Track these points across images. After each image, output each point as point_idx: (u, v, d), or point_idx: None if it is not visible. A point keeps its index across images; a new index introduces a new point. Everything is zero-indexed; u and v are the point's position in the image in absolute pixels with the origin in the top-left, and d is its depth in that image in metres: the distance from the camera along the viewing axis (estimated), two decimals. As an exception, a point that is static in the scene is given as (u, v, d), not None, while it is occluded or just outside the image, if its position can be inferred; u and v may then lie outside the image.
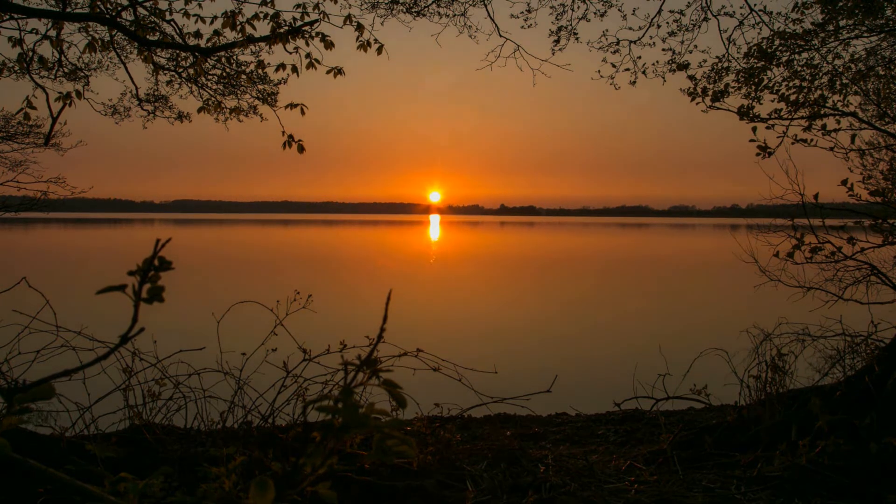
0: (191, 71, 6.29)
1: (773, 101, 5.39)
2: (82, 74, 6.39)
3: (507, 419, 5.91)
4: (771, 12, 6.26)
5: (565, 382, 6.69)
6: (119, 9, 5.40)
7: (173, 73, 6.42)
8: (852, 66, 5.73)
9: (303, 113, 5.77)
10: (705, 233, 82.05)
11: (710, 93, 5.58)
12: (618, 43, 6.90)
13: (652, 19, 6.78)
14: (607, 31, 6.82)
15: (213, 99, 6.45)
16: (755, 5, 6.35)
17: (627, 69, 6.91)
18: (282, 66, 5.49)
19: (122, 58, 6.31)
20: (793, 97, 5.36)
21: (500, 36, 7.05)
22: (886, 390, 3.67)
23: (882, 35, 5.63)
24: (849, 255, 4.58)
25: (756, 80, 5.59)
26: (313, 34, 5.34)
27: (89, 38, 5.46)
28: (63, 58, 5.93)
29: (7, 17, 5.08)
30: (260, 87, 6.43)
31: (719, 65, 6.07)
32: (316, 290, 4.97)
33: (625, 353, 9.96)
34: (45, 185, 7.07)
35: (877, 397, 3.73)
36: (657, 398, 5.21)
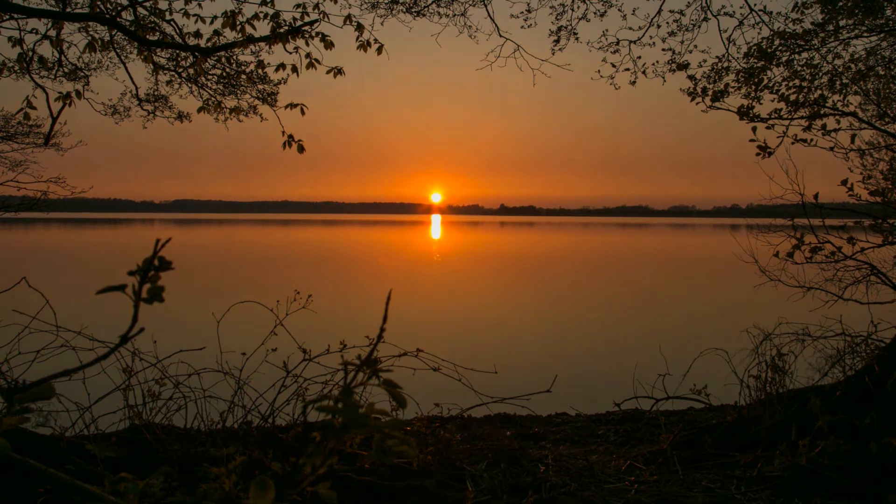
0: (191, 71, 6.29)
1: (773, 101, 5.40)
2: (82, 74, 6.39)
3: (507, 419, 5.91)
4: (771, 12, 6.26)
5: (565, 382, 6.69)
6: (119, 9, 5.40)
7: (173, 73, 6.42)
8: (852, 66, 5.73)
9: (303, 113, 5.77)
10: (705, 233, 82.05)
11: (710, 93, 5.58)
12: (618, 43, 6.90)
13: (652, 19, 6.79)
14: (607, 31, 6.82)
15: (213, 99, 6.46)
16: (755, 5, 6.35)
17: (627, 69, 6.91)
18: (282, 66, 5.49)
19: (122, 58, 6.31)
20: (793, 97, 5.36)
21: (500, 36, 7.06)
22: (886, 390, 3.67)
23: (882, 35, 5.63)
24: (849, 255, 4.58)
25: (756, 80, 5.59)
26: (313, 34, 5.34)
27: (89, 38, 5.46)
28: (63, 58, 5.93)
29: (7, 17, 5.08)
30: (260, 87, 6.43)
31: (719, 65, 6.08)
32: (316, 290, 4.97)
33: (625, 353, 9.96)
34: (45, 185, 7.07)
35: (877, 397, 3.73)
36: (657, 398, 5.21)
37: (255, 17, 5.25)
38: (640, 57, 8.38)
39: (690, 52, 6.70)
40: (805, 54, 5.69)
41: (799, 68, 5.66)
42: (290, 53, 5.39)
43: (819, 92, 5.45)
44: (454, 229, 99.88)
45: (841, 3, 5.28)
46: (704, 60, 6.09)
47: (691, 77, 5.88)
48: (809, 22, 5.71)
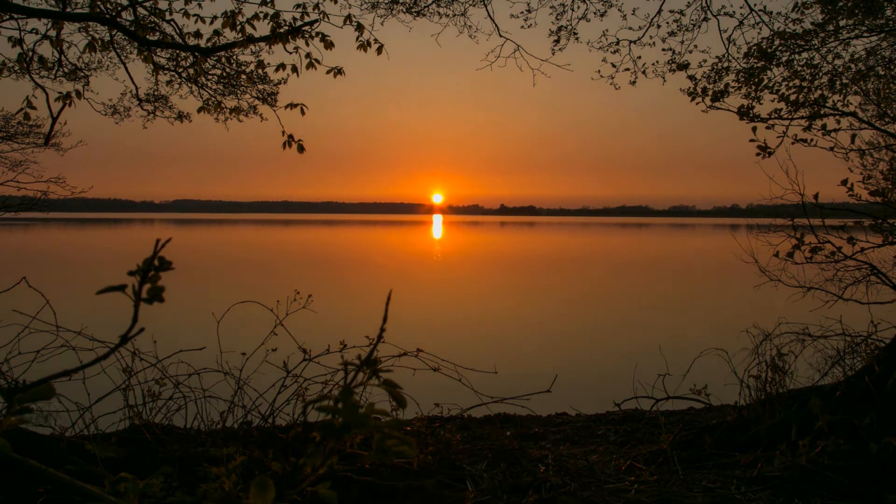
0: (191, 71, 6.29)
1: (773, 101, 5.39)
2: (82, 74, 6.39)
3: (507, 419, 5.91)
4: (771, 12, 6.26)
5: (565, 382, 6.69)
6: (119, 9, 5.40)
7: (173, 73, 6.42)
8: (852, 66, 5.73)
9: (303, 113, 5.77)
10: (705, 233, 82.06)
11: (710, 93, 5.58)
12: (618, 43, 6.90)
13: (652, 19, 6.79)
14: (607, 31, 6.82)
15: (213, 99, 6.46)
16: (755, 5, 6.35)
17: (627, 69, 6.91)
18: (282, 66, 5.49)
19: (122, 58, 6.31)
20: (793, 97, 5.36)
21: (500, 36, 7.06)
22: (886, 390, 3.67)
23: (882, 35, 5.63)
24: (849, 255, 4.58)
25: (756, 80, 5.59)
26: (313, 34, 5.34)
27: (89, 38, 5.46)
28: (63, 58, 5.93)
29: (7, 17, 5.08)
30: (260, 87, 6.43)
31: (719, 65, 6.08)
32: (316, 290, 4.97)
33: (625, 353, 9.96)
34: (45, 185, 7.07)
35: (877, 397, 3.73)
36: (657, 398, 5.21)
37: (255, 17, 5.25)
38: (640, 57, 8.38)
39: (690, 52, 6.70)
40: (805, 54, 5.70)
41: (799, 68, 5.66)
42: (290, 53, 5.40)
43: (819, 92, 5.45)
44: (454, 229, 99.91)
45: (841, 3, 5.28)
46: (704, 60, 6.10)
47: (691, 77, 5.88)
48: (809, 22, 5.72)
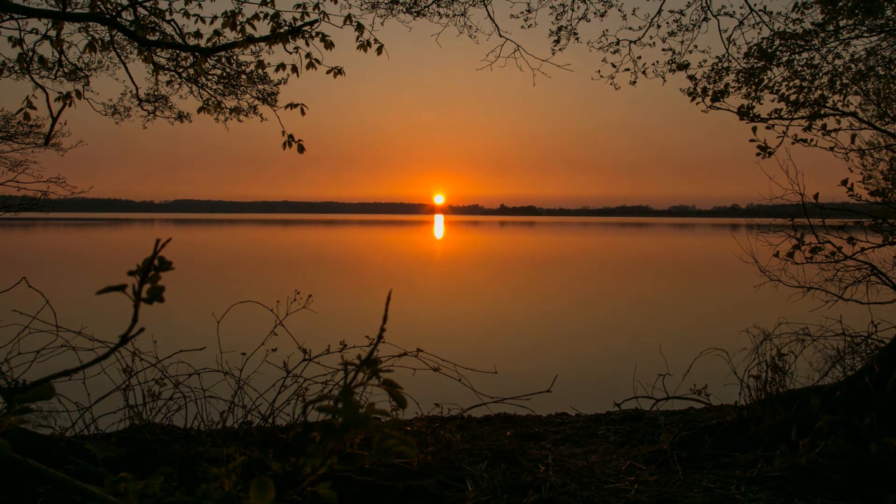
0: (191, 71, 6.29)
1: (773, 101, 5.40)
2: (82, 74, 6.40)
3: (507, 419, 5.91)
4: (771, 12, 6.26)
5: (565, 382, 6.69)
6: (119, 9, 5.41)
7: (173, 73, 6.42)
8: (852, 66, 5.73)
9: (303, 113, 5.77)
10: (705, 233, 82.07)
11: (710, 93, 5.58)
12: (618, 43, 6.90)
13: (652, 19, 6.79)
14: (607, 31, 6.82)
15: (213, 99, 6.46)
16: (755, 5, 6.36)
17: (627, 69, 6.92)
18: (282, 66, 5.49)
19: (122, 58, 6.31)
20: (793, 97, 5.36)
21: (500, 36, 7.06)
22: (886, 390, 3.67)
23: (882, 35, 5.63)
24: (849, 255, 4.58)
25: (756, 80, 5.59)
26: (313, 34, 5.34)
27: (89, 38, 5.46)
28: (63, 58, 5.93)
29: (7, 17, 5.08)
30: (260, 87, 6.43)
31: (719, 65, 6.08)
32: (316, 290, 4.97)
33: (625, 353, 9.96)
34: (45, 185, 7.07)
35: (877, 397, 3.73)
36: (657, 398, 5.21)
37: (256, 17, 5.25)
38: (640, 57, 8.38)
39: (690, 52, 6.71)
40: (805, 54, 5.70)
41: (799, 68, 5.66)
42: (291, 53, 5.40)
43: (819, 92, 5.45)
44: (455, 229, 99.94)
45: (841, 3, 5.28)
46: (704, 60, 6.10)
47: (691, 77, 5.88)
48: (809, 22, 5.72)
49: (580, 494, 3.34)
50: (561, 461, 3.97)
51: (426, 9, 6.66)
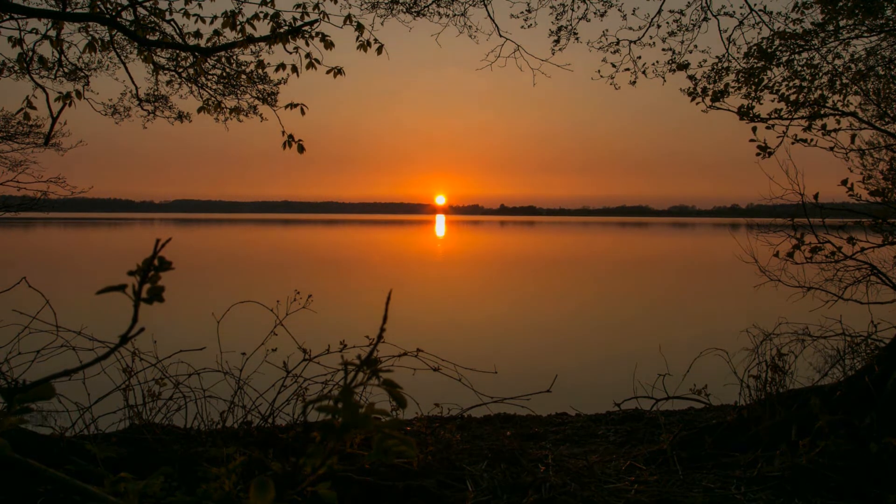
0: (191, 71, 6.29)
1: (773, 101, 5.40)
2: (82, 74, 6.40)
3: (507, 419, 5.91)
4: (771, 12, 6.26)
5: (565, 382, 6.69)
6: (119, 9, 5.41)
7: (173, 73, 6.42)
8: (852, 66, 5.73)
9: (303, 113, 5.78)
10: (705, 233, 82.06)
11: (710, 93, 5.58)
12: (618, 43, 6.90)
13: (652, 19, 6.79)
14: (607, 31, 6.82)
15: (213, 99, 6.46)
16: (755, 5, 6.36)
17: (627, 69, 6.92)
18: (282, 66, 5.49)
19: (122, 58, 6.31)
20: (793, 97, 5.36)
21: (500, 36, 7.06)
22: (886, 390, 3.67)
23: (882, 35, 5.63)
24: (849, 255, 4.58)
25: (756, 80, 5.59)
26: (313, 34, 5.34)
27: (89, 38, 5.46)
28: (63, 58, 5.93)
29: (7, 17, 5.08)
30: (260, 87, 6.43)
31: (719, 65, 6.08)
32: (316, 290, 4.97)
33: (625, 353, 9.96)
34: (45, 185, 7.07)
35: (877, 397, 3.73)
36: (657, 398, 5.21)
37: (255, 17, 5.25)
38: (640, 57, 8.39)
39: (690, 52, 6.71)
40: (805, 54, 5.70)
41: (799, 68, 5.66)
42: (290, 53, 5.40)
43: (819, 92, 5.45)
44: (455, 229, 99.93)
45: (841, 3, 5.28)
46: (704, 60, 6.10)
47: (691, 77, 5.88)
48: (809, 22, 5.72)
49: (580, 494, 3.34)
50: (561, 461, 3.97)
51: (426, 9, 6.66)
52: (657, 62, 6.73)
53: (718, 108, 5.51)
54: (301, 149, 5.73)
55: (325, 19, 5.35)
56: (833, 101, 5.33)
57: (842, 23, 5.48)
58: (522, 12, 7.02)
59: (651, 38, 6.82)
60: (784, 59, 5.67)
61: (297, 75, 5.55)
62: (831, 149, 5.04)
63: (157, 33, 5.75)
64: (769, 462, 3.61)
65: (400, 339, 3.74)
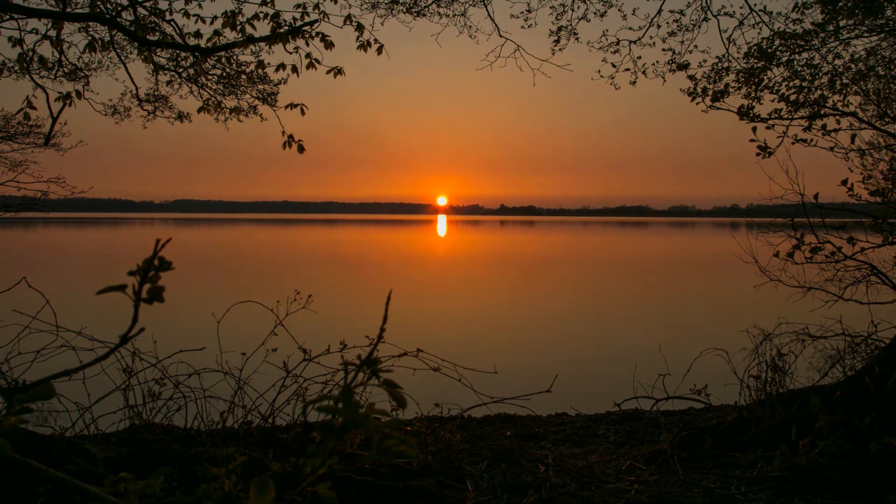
0: (191, 71, 6.29)
1: (773, 101, 5.40)
2: (82, 74, 6.40)
3: (507, 419, 5.91)
4: (771, 12, 6.26)
5: (565, 382, 6.69)
6: (119, 9, 5.41)
7: (173, 73, 6.42)
8: (852, 66, 5.73)
9: (303, 113, 5.77)
10: (705, 233, 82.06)
11: (710, 93, 5.58)
12: (618, 43, 6.90)
13: (652, 19, 6.79)
14: (607, 31, 6.82)
15: (213, 99, 6.46)
16: (755, 5, 6.36)
17: (627, 69, 6.92)
18: (282, 66, 5.49)
19: (122, 58, 6.31)
20: (793, 97, 5.36)
21: (500, 36, 7.06)
22: (886, 390, 3.67)
23: (882, 35, 5.63)
24: (849, 255, 4.58)
25: (756, 80, 5.59)
26: (313, 34, 5.34)
27: (89, 38, 5.46)
28: (63, 58, 5.93)
29: (7, 17, 5.08)
30: (260, 87, 6.43)
31: (719, 65, 6.08)
32: (316, 290, 4.97)
33: (625, 353, 9.96)
34: (45, 185, 7.07)
35: (877, 397, 3.73)
36: (657, 398, 5.21)
37: (256, 17, 5.25)
38: (640, 57, 8.39)
39: (690, 52, 6.71)
40: (805, 54, 5.70)
41: (799, 68, 5.66)
42: (291, 53, 5.40)
43: (819, 92, 5.45)
44: (455, 228, 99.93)
45: (841, 4, 5.28)
46: (704, 60, 6.10)
47: (691, 77, 5.88)
48: (809, 22, 5.72)
49: (580, 494, 3.34)
50: (561, 461, 3.97)
51: (426, 9, 6.66)
52: (657, 62, 6.73)
53: (718, 108, 5.51)
54: (301, 149, 5.73)
55: (325, 19, 5.35)
56: (833, 101, 5.33)
57: (842, 23, 5.48)
58: (522, 12, 7.03)
59: (651, 38, 6.82)
60: (784, 59, 5.67)
61: (297, 75, 5.55)
62: (831, 149, 5.04)
63: (157, 33, 5.75)
64: (769, 462, 3.61)
65: (400, 339, 3.74)
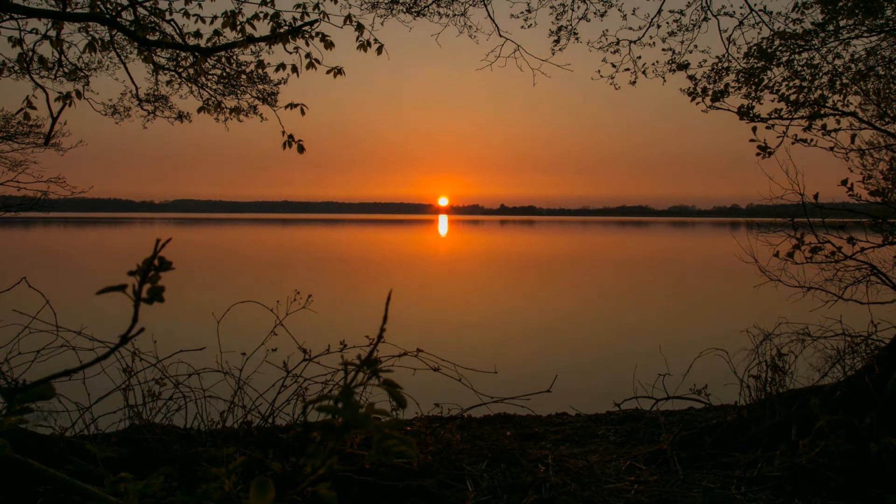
0: (191, 71, 6.29)
1: (773, 101, 5.40)
2: (82, 74, 6.40)
3: (507, 419, 5.91)
4: (771, 12, 6.26)
5: (565, 382, 6.69)
6: (119, 9, 5.40)
7: (173, 73, 6.42)
8: (852, 66, 5.73)
9: (303, 113, 5.77)
10: (705, 233, 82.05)
11: (710, 93, 5.58)
12: (618, 43, 6.90)
13: (652, 19, 6.79)
14: (607, 31, 6.82)
15: (213, 99, 6.45)
16: (755, 5, 6.35)
17: (627, 69, 6.92)
18: (282, 66, 5.49)
19: (122, 58, 6.31)
20: (793, 97, 5.36)
21: (500, 36, 7.06)
22: (886, 390, 3.67)
23: (882, 35, 5.63)
24: (849, 255, 4.58)
25: (756, 80, 5.59)
26: (313, 34, 5.34)
27: (89, 38, 5.46)
28: (63, 58, 5.93)
29: (7, 17, 5.08)
30: (260, 87, 6.43)
31: (719, 65, 6.08)
32: (316, 290, 4.98)
33: (625, 353, 9.96)
34: (45, 185, 7.08)
35: (877, 397, 3.73)
36: (657, 398, 5.21)
37: (255, 17, 5.25)
38: (640, 57, 8.39)
39: (690, 52, 6.71)
40: (805, 54, 5.70)
41: (799, 68, 5.66)
42: (290, 53, 5.40)
43: (819, 92, 5.45)
44: (455, 229, 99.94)
45: (841, 3, 5.28)
46: (704, 60, 6.10)
47: (691, 77, 5.88)
48: (809, 22, 5.72)
49: (580, 494, 3.34)
50: (561, 461, 3.97)
51: (426, 9, 6.66)
52: (657, 62, 6.73)
53: (718, 108, 5.51)
54: (301, 149, 5.73)
55: (325, 19, 5.35)
56: (833, 101, 5.33)
57: (842, 23, 5.48)
58: (522, 12, 7.03)
59: (651, 38, 6.82)
60: (784, 59, 5.67)
61: (297, 75, 5.55)
62: (831, 149, 5.04)
63: (157, 33, 5.75)
64: (769, 462, 3.61)
65: (400, 338, 3.74)
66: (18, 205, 7.05)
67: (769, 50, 5.65)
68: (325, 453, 0.80)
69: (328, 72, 5.48)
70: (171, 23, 5.71)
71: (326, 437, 0.79)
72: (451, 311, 15.30)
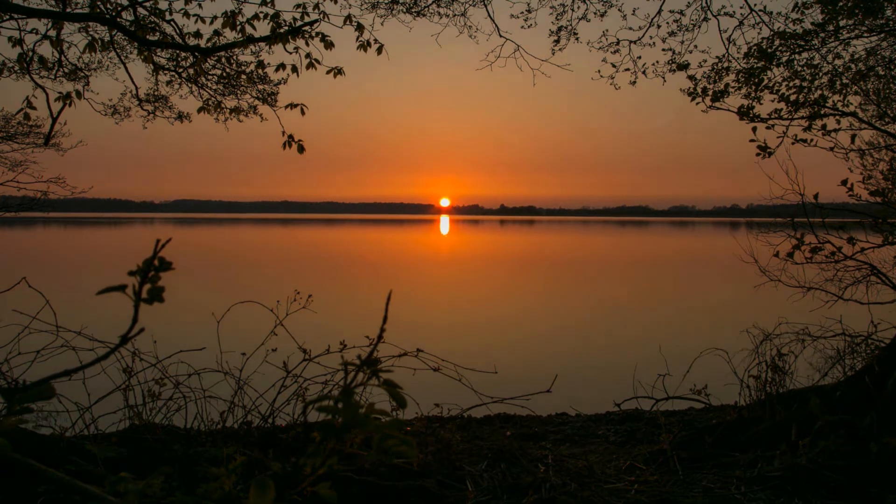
0: (191, 71, 6.29)
1: (773, 101, 5.40)
2: (82, 74, 6.40)
3: (507, 419, 5.91)
4: (771, 12, 6.26)
5: (565, 382, 6.69)
6: (119, 9, 5.41)
7: (173, 73, 6.42)
8: (852, 66, 5.73)
9: (303, 113, 5.78)
10: (705, 233, 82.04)
11: (710, 93, 5.58)
12: (618, 43, 6.90)
13: (652, 19, 6.79)
14: (607, 31, 6.82)
15: (213, 99, 6.46)
16: (755, 5, 6.35)
17: (627, 69, 6.92)
18: (282, 66, 5.49)
19: (122, 58, 6.31)
20: (793, 97, 5.36)
21: (500, 36, 7.06)
22: (886, 390, 3.67)
23: (882, 35, 5.63)
24: (849, 255, 4.58)
25: (756, 80, 5.59)
26: (313, 34, 5.34)
27: (89, 38, 5.47)
28: (63, 58, 5.93)
29: (7, 17, 5.08)
30: (260, 87, 6.43)
31: (719, 65, 6.08)
32: (316, 290, 4.98)
33: (625, 353, 9.96)
34: (45, 185, 7.08)
35: (877, 397, 3.73)
36: (657, 398, 5.21)
37: (255, 17, 5.25)
38: (640, 57, 8.39)
39: (690, 52, 6.71)
40: (805, 54, 5.70)
41: (799, 68, 5.66)
42: (290, 53, 5.40)
43: (819, 92, 5.45)
44: (455, 229, 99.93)
45: (841, 4, 5.28)
46: (704, 60, 6.10)
47: (691, 77, 5.88)
48: (809, 22, 5.72)
49: (580, 494, 3.34)
50: (561, 461, 3.97)
51: (426, 9, 6.66)
52: (657, 62, 6.73)
53: (718, 108, 5.51)
54: (301, 149, 5.73)
55: (325, 19, 5.35)
56: (833, 101, 5.33)
57: (842, 23, 5.48)
58: (522, 12, 7.03)
59: (651, 38, 6.82)
60: (784, 59, 5.67)
61: (297, 75, 5.55)
62: (831, 149, 5.04)
63: (157, 33, 5.75)
64: (769, 462, 3.61)
65: (400, 339, 3.74)
66: (18, 205, 7.05)
67: (769, 50, 5.66)
68: (325, 453, 0.80)
69: (328, 72, 5.48)
70: (171, 23, 5.71)
71: (326, 437, 0.79)
72: (451, 312, 15.31)
